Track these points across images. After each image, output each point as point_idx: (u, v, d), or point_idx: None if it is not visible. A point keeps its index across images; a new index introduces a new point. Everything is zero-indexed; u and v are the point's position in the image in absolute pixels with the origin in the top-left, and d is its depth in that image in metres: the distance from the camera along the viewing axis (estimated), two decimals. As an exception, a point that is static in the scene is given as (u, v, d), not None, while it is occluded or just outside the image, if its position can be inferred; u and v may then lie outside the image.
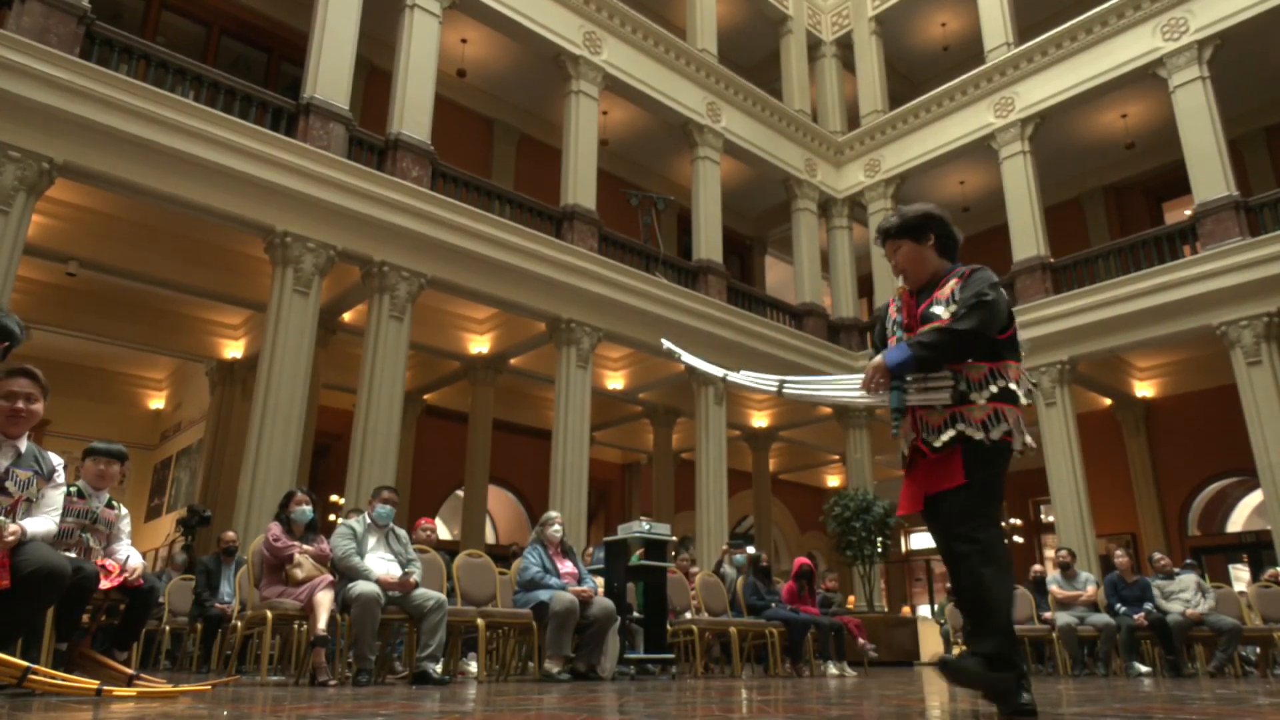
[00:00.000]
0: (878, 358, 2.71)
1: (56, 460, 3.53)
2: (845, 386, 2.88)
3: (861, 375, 2.77)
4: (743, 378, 3.10)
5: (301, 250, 9.01)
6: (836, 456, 17.01)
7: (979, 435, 2.60)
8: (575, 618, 5.85)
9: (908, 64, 17.44)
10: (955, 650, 10.49)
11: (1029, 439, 2.67)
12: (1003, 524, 2.73)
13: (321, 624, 4.77)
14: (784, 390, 2.97)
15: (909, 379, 2.68)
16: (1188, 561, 10.62)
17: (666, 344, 3.67)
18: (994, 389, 2.64)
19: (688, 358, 3.43)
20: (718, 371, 3.19)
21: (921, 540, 19.72)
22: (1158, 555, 8.61)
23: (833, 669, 8.14)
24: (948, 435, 2.63)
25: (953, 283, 2.75)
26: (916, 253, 2.85)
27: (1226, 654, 7.73)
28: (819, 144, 16.29)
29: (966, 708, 3.11)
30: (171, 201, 8.52)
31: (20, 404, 3.30)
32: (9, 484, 3.27)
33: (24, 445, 3.38)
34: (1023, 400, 2.68)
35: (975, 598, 2.55)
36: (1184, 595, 8.08)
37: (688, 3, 14.87)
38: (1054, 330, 12.66)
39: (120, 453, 4.22)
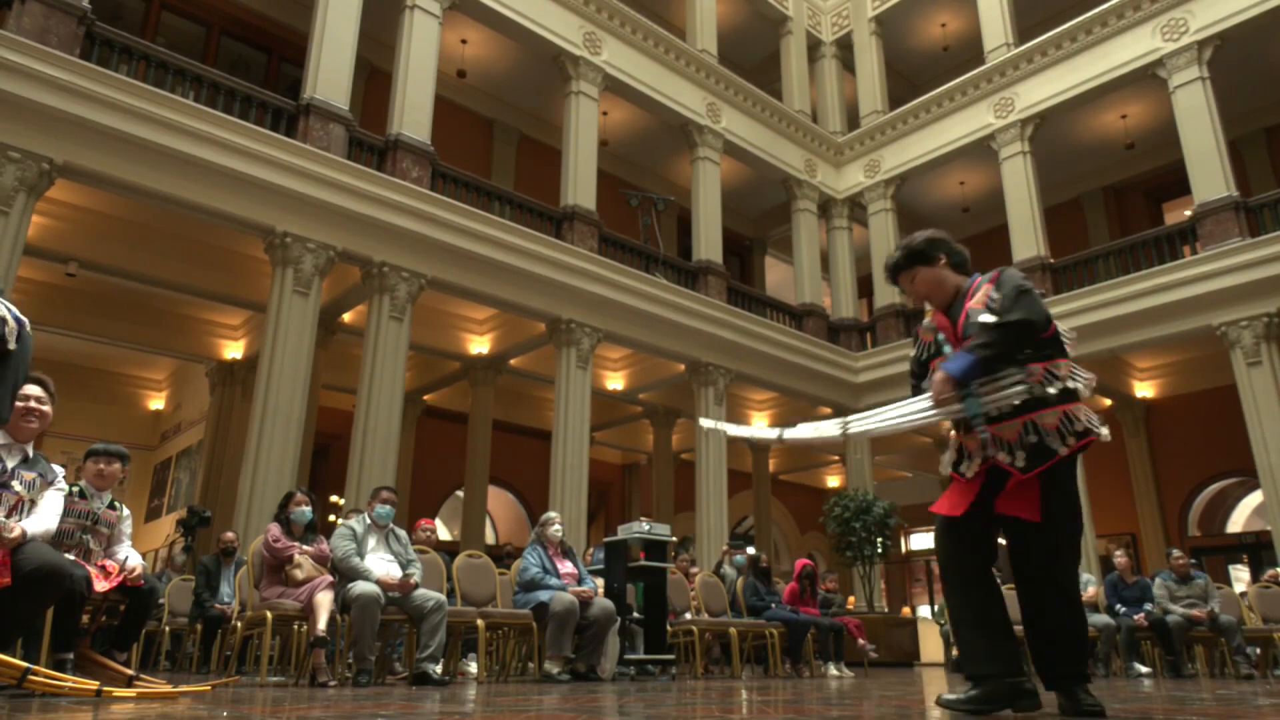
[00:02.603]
0: (939, 372, 2.62)
1: (58, 469, 3.64)
2: (912, 410, 2.73)
3: (924, 396, 2.69)
4: (801, 430, 2.99)
5: (301, 251, 9.01)
6: (836, 457, 17.00)
7: (1058, 446, 2.54)
8: (575, 618, 5.84)
9: (908, 64, 17.44)
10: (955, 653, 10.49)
11: (1104, 430, 2.61)
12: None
13: (321, 625, 4.77)
14: (849, 431, 2.85)
15: (978, 383, 2.58)
16: (1192, 562, 10.59)
17: (709, 424, 3.66)
18: (1053, 390, 2.57)
19: (734, 430, 3.40)
20: (772, 434, 3.09)
21: (921, 541, 19.70)
22: (1176, 553, 8.42)
23: (831, 670, 8.14)
24: (1032, 441, 2.56)
25: (985, 287, 2.73)
26: (933, 274, 2.86)
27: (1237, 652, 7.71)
28: (819, 144, 16.29)
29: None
30: (171, 202, 8.52)
31: (33, 404, 3.42)
32: (15, 483, 3.33)
33: (30, 450, 3.50)
34: (1084, 394, 2.62)
35: (1075, 628, 2.61)
36: (1190, 600, 7.99)
37: (688, 3, 14.87)
38: (1054, 331, 12.65)
39: (121, 453, 4.23)
